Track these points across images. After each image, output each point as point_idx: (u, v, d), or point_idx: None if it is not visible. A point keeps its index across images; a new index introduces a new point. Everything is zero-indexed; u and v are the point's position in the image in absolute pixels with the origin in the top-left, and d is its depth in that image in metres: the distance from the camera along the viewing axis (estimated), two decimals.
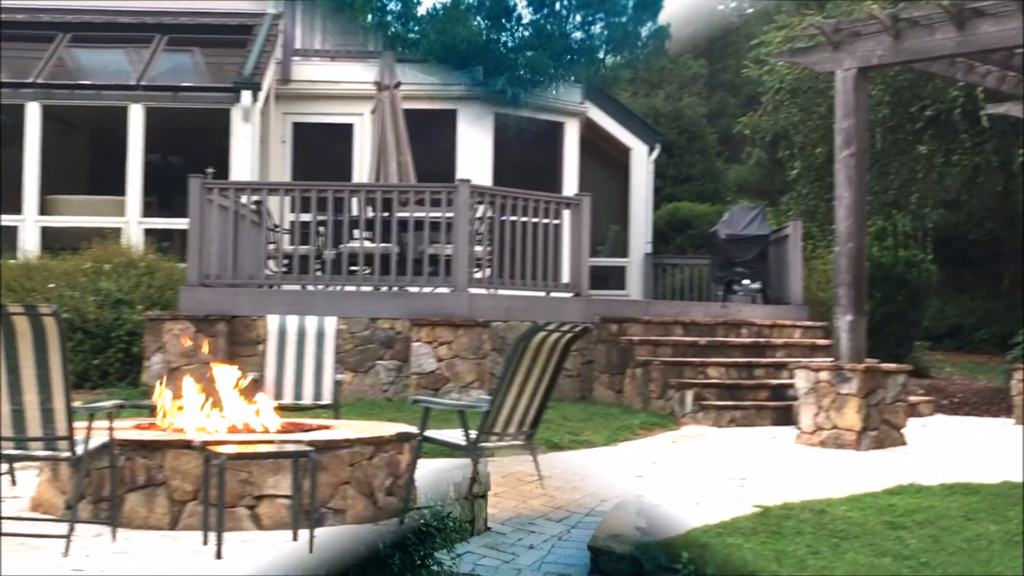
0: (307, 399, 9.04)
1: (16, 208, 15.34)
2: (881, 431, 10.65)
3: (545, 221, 13.06)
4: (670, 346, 13.02)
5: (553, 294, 13.20)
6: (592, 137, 20.03)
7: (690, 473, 8.94)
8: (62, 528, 5.94)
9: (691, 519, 6.90)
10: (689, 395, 12.07)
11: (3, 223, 15.46)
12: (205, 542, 5.96)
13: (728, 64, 37.70)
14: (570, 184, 17.59)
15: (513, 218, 12.82)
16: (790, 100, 20.50)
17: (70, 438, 5.87)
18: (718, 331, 13.65)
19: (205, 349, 11.44)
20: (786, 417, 11.95)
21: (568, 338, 6.67)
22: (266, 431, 6.94)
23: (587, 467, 9.16)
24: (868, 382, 10.57)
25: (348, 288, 12.54)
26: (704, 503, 7.55)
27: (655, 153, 21.04)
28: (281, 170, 16.66)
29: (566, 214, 13.42)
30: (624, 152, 20.77)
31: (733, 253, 16.13)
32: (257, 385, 8.83)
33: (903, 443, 10.82)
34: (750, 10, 41.36)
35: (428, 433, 6.86)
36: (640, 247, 20.45)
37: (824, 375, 10.70)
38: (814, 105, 19.91)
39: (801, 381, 10.90)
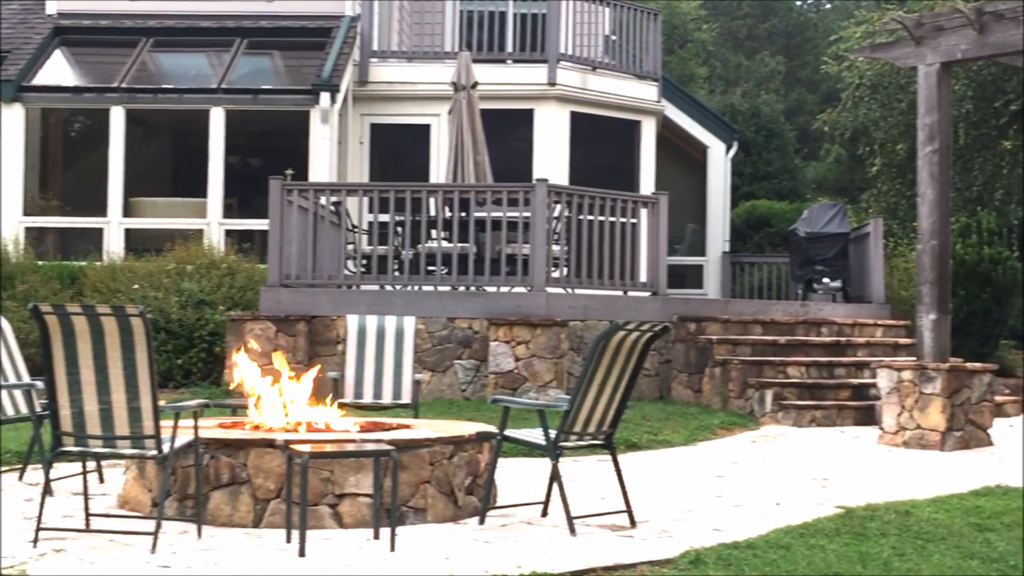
0: (386, 398, 9.10)
1: (101, 211, 15.62)
2: (966, 431, 10.48)
3: (622, 220, 13.02)
4: (749, 345, 12.91)
5: (631, 293, 13.16)
6: (669, 135, 19.93)
7: (771, 473, 8.86)
8: (149, 525, 6.05)
9: (773, 520, 6.85)
10: (769, 394, 11.96)
11: (89, 225, 15.75)
12: (288, 540, 6.03)
13: (806, 60, 37.36)
14: (647, 183, 17.53)
15: (590, 217, 12.79)
16: (870, 96, 20.23)
17: (156, 436, 5.97)
18: (798, 330, 13.51)
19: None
20: (868, 417, 11.81)
21: (647, 337, 6.63)
22: (347, 430, 7.00)
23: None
24: (952, 381, 10.41)
25: (426, 288, 12.61)
26: (786, 503, 7.49)
27: (732, 151, 20.88)
28: (359, 171, 16.78)
29: (643, 213, 13.37)
30: (701, 150, 20.65)
31: (813, 251, 15.96)
32: (337, 384, 8.92)
33: (989, 444, 10.63)
34: (828, 5, 40.94)
35: (508, 432, 6.87)
36: (718, 245, 20.33)
37: (907, 374, 10.55)
38: (895, 101, 19.64)
39: (883, 380, 10.75)
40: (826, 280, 15.84)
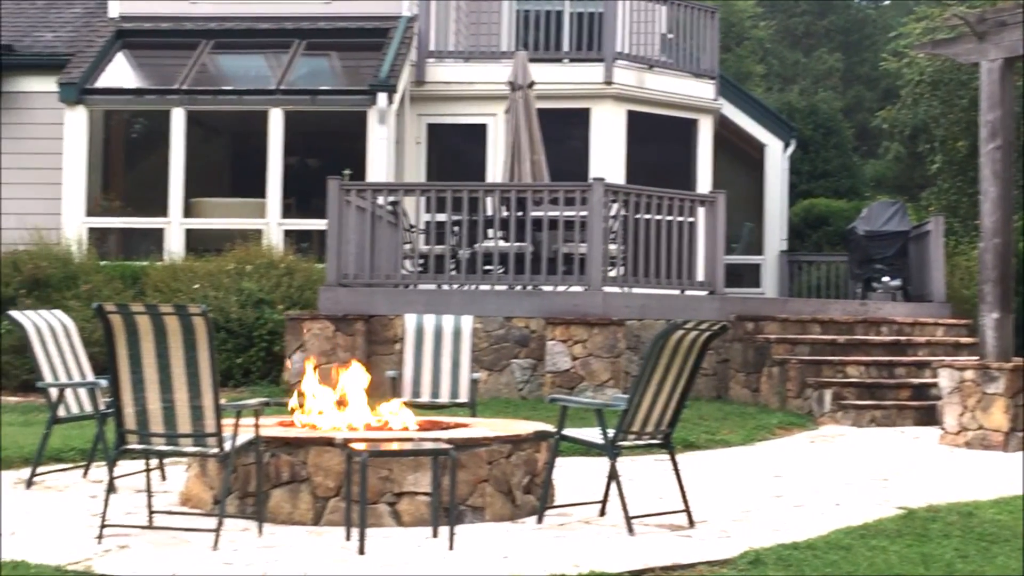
0: (444, 397, 9.13)
1: (162, 211, 15.80)
2: None
3: (679, 219, 12.98)
4: (807, 344, 12.82)
5: (688, 292, 13.12)
6: (726, 133, 19.82)
7: (830, 473, 8.79)
8: (210, 522, 6.12)
9: (833, 520, 6.80)
10: (828, 394, 11.87)
11: (150, 226, 15.95)
12: (348, 538, 6.07)
13: (864, 57, 37.00)
14: (704, 181, 17.44)
15: (647, 216, 12.76)
16: (930, 92, 19.98)
17: (218, 435, 6.03)
18: (857, 329, 13.39)
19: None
20: (929, 417, 11.68)
21: (706, 336, 6.61)
22: (405, 429, 7.04)
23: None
24: (1016, 381, 10.27)
25: (483, 287, 12.63)
26: (846, 504, 7.43)
27: (790, 149, 20.75)
28: (416, 171, 16.84)
29: (701, 212, 13.31)
30: (758, 148, 20.52)
31: (872, 250, 15.82)
32: (394, 383, 8.96)
33: None
34: (887, 1, 40.52)
35: (566, 432, 6.87)
36: (775, 244, 20.21)
37: (969, 374, 10.43)
38: (956, 97, 19.39)
39: (945, 380, 10.64)
40: (886, 279, 15.68)
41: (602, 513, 6.94)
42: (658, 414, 6.69)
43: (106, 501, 6.16)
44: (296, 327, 12.42)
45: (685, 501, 6.70)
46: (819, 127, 24.82)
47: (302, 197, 16.12)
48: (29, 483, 7.67)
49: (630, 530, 6.39)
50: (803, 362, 12.30)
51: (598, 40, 16.74)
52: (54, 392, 7.94)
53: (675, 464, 6.83)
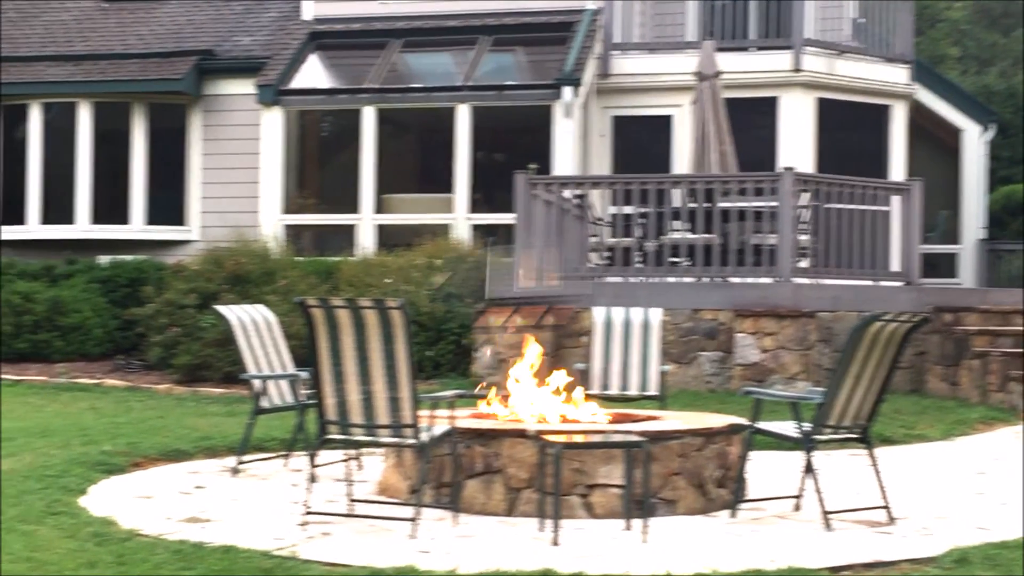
0: (633, 390, 9.13)
1: (354, 208, 16.21)
2: None
3: (872, 208, 12.67)
4: (1010, 336, 12.33)
5: (881, 283, 12.78)
6: (919, 119, 19.21)
7: None
8: (406, 511, 6.25)
9: None
10: None
11: (343, 222, 16.37)
12: (541, 529, 6.13)
13: None
14: (897, 169, 16.95)
15: (838, 205, 12.50)
16: None
17: (415, 426, 6.16)
18: None
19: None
20: None
21: (906, 329, 6.45)
22: (597, 421, 7.06)
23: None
24: None
25: (669, 279, 12.56)
26: None
27: (989, 133, 19.97)
28: (600, 163, 16.84)
29: (895, 200, 12.96)
30: (954, 134, 19.83)
31: None
32: (583, 376, 9.00)
33: None
34: None
35: (760, 425, 6.79)
36: (973, 233, 19.51)
37: None
38: None
39: None
40: None
41: (797, 508, 6.84)
42: (856, 408, 6.55)
43: (308, 489, 6.37)
44: (484, 321, 12.56)
45: (884, 497, 6.55)
46: (1020, 110, 23.84)
47: (487, 191, 16.30)
48: (235, 471, 7.98)
49: (827, 525, 6.28)
50: (1006, 355, 11.84)
51: (786, 27, 16.43)
52: (257, 383, 8.23)
53: (873, 459, 6.67)
